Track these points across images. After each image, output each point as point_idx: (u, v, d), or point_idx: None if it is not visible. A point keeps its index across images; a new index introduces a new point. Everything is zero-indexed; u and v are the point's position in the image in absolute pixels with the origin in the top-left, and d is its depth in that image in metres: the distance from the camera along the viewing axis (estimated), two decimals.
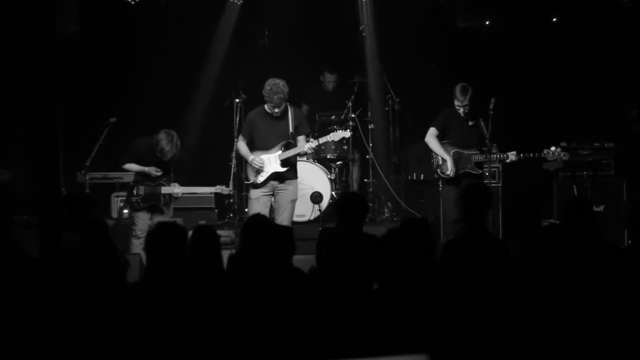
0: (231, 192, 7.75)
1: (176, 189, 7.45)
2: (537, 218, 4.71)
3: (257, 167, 7.22)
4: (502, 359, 3.39)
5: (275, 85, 7.11)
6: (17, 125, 8.81)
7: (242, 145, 7.40)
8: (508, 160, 7.58)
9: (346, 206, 5.22)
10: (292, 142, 7.27)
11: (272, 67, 8.35)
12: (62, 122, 8.25)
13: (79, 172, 7.61)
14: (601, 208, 7.94)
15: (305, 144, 7.27)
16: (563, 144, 8.56)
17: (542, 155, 7.61)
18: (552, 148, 7.61)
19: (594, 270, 3.99)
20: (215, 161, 9.27)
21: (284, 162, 7.25)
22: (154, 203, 7.41)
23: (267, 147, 7.27)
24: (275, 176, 7.26)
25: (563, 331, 3.42)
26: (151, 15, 9.35)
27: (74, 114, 8.98)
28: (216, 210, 9.06)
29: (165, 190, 7.44)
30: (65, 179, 8.51)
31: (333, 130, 8.23)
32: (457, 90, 7.58)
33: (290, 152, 7.26)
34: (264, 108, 7.29)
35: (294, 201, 7.36)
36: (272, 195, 7.32)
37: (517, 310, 3.52)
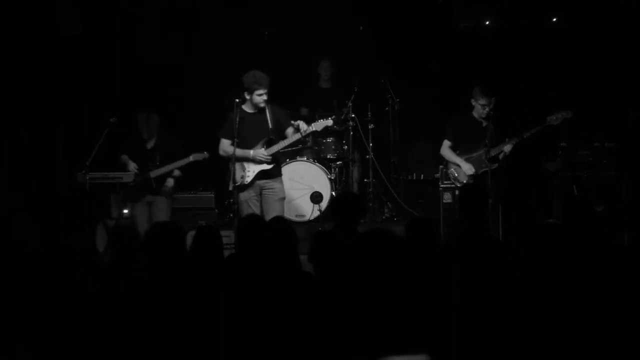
0: (206, 156, 7.77)
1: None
2: (534, 217, 4.73)
3: (264, 159, 7.10)
4: (502, 358, 3.39)
5: (257, 72, 7.09)
6: (18, 125, 8.83)
7: (231, 147, 7.18)
8: (506, 153, 7.52)
9: (342, 206, 5.21)
10: (273, 138, 7.17)
11: (271, 68, 8.35)
12: (62, 122, 8.28)
13: (79, 172, 7.61)
14: (601, 208, 7.93)
15: (294, 132, 7.11)
16: (563, 143, 8.57)
17: (547, 123, 7.52)
18: (554, 115, 7.51)
19: (593, 271, 3.99)
20: (215, 160, 9.26)
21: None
22: (148, 188, 7.67)
23: (248, 147, 7.17)
24: (261, 175, 7.16)
25: (563, 331, 3.42)
26: (151, 15, 9.35)
27: (74, 114, 9.01)
28: (216, 211, 9.05)
29: (154, 174, 7.70)
30: (65, 179, 8.56)
31: (332, 129, 8.23)
32: (480, 91, 7.57)
33: (276, 147, 7.14)
34: (242, 108, 7.22)
35: (282, 199, 7.25)
36: (260, 196, 7.20)
37: (516, 310, 3.52)
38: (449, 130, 7.81)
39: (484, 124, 7.62)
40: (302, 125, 7.09)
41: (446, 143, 7.80)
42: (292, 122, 7.23)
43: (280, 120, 7.26)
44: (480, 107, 7.61)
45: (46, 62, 8.85)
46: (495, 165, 7.52)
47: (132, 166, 7.79)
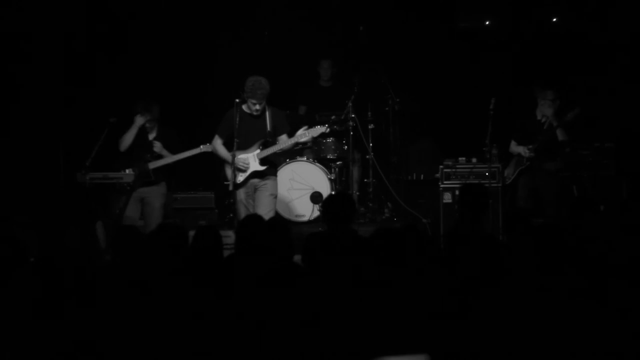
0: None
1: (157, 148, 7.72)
2: (525, 217, 4.73)
3: (243, 167, 7.21)
4: (501, 358, 3.40)
5: (258, 82, 7.13)
6: (18, 125, 8.83)
7: (220, 147, 7.36)
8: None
9: (332, 207, 5.21)
10: (270, 140, 7.27)
11: (271, 67, 8.37)
12: (62, 122, 8.25)
13: (79, 172, 7.61)
14: (601, 208, 7.93)
15: (289, 139, 7.26)
16: None
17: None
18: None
19: (593, 271, 3.99)
20: (214, 160, 9.26)
21: (263, 161, 7.25)
22: (145, 179, 7.62)
23: (245, 147, 7.26)
24: (254, 175, 7.26)
25: (561, 330, 3.42)
26: (151, 16, 9.35)
27: (74, 114, 9.01)
28: (216, 211, 9.05)
29: (153, 164, 7.68)
30: (65, 179, 8.56)
31: (333, 130, 8.23)
32: (541, 88, 7.79)
33: (270, 150, 7.25)
34: (242, 108, 7.28)
35: (272, 195, 7.31)
36: (254, 194, 7.31)
37: (516, 310, 3.52)
38: (515, 129, 8.07)
39: (544, 120, 7.86)
40: (291, 141, 7.27)
41: (514, 143, 8.09)
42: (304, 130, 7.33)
43: (277, 125, 7.35)
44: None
45: (46, 61, 8.85)
46: (527, 162, 7.82)
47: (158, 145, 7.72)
